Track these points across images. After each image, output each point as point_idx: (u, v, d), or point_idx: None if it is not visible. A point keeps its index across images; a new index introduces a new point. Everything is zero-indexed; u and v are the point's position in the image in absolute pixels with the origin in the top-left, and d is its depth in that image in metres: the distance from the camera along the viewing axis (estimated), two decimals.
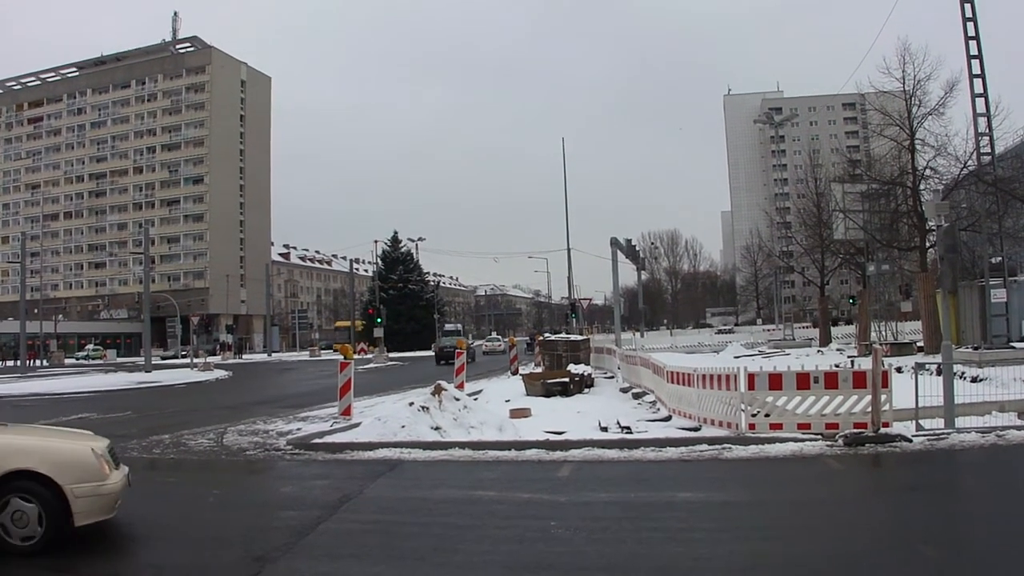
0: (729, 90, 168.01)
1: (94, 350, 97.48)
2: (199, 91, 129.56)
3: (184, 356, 76.01)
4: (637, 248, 46.53)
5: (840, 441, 13.03)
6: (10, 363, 76.67)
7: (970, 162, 30.51)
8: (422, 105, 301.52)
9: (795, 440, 13.29)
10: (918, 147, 31.91)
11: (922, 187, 32.13)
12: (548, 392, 23.16)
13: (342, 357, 19.65)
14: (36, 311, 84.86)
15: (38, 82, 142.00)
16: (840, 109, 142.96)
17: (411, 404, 16.21)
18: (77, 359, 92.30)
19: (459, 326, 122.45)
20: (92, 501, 8.20)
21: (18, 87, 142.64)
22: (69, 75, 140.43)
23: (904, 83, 31.79)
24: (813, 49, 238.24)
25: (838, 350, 40.92)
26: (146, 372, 48.68)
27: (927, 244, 32.57)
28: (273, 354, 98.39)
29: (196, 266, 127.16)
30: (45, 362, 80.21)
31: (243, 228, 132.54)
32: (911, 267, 42.22)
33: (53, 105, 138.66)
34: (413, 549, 8.17)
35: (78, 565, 7.94)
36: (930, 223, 30.77)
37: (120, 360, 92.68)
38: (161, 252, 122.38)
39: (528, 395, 23.43)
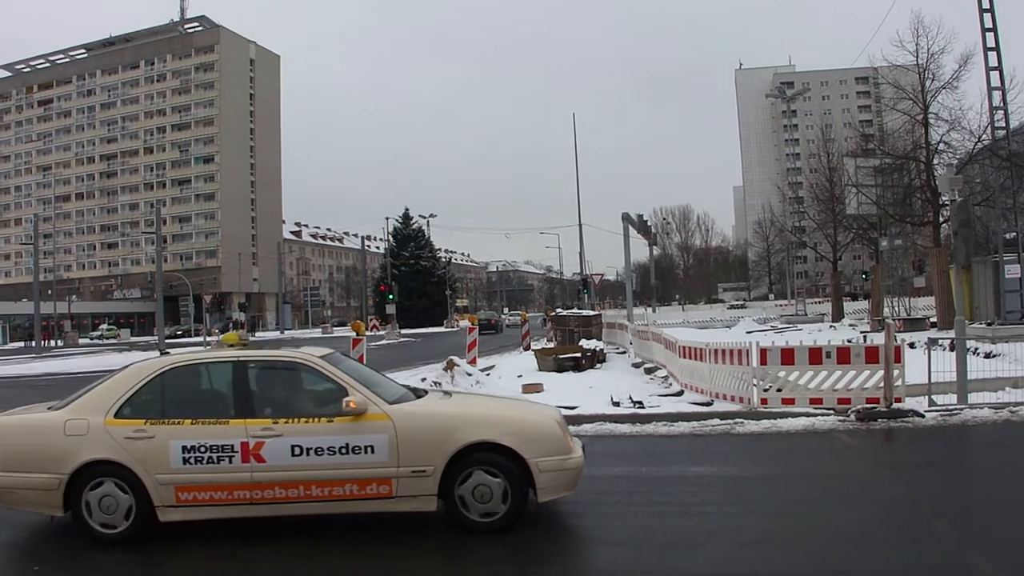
0: (741, 64, 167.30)
1: (108, 330, 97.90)
2: (208, 70, 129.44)
3: (199, 334, 76.26)
4: (649, 223, 46.37)
5: (852, 416, 13.01)
6: (24, 344, 77.05)
7: (984, 136, 30.28)
8: (432, 81, 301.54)
9: (807, 415, 13.27)
10: (932, 121, 31.66)
11: (935, 161, 31.88)
12: (560, 367, 23.20)
13: (354, 334, 19.69)
14: (49, 292, 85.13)
15: (47, 64, 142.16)
16: (853, 83, 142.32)
17: (423, 380, 16.25)
18: (91, 339, 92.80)
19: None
20: (556, 476, 7.61)
21: (27, 70, 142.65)
22: (78, 57, 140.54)
23: (917, 56, 31.51)
24: (825, 23, 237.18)
25: (851, 325, 40.80)
26: (160, 351, 48.90)
27: (940, 219, 32.39)
28: (285, 331, 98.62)
29: (208, 245, 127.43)
30: (59, 342, 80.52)
31: (254, 206, 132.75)
32: (924, 242, 42.04)
33: (63, 87, 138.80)
34: None
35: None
36: (943, 198, 30.59)
37: (133, 339, 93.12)
38: (173, 232, 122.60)
39: (540, 370, 23.48)
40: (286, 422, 7.45)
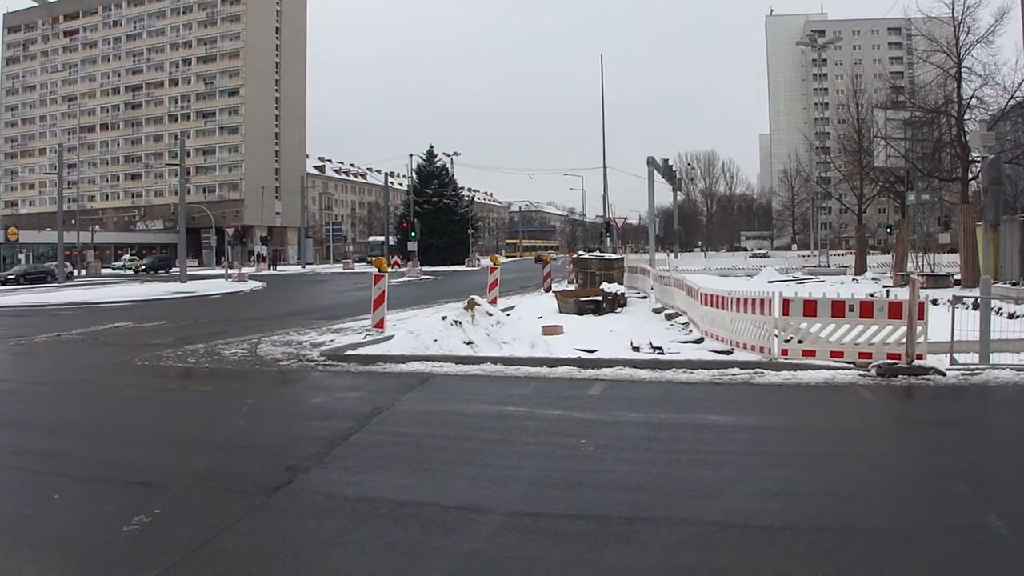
0: (771, 11, 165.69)
1: (130, 260, 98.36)
2: (235, 3, 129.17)
3: (222, 266, 76.55)
4: (674, 168, 46.17)
5: (873, 371, 12.96)
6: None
7: (1018, 93, 29.95)
8: (459, 19, 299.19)
9: (828, 368, 13.23)
10: (964, 75, 31.28)
11: (967, 117, 31.55)
12: (581, 310, 23.23)
13: (375, 270, 19.72)
14: (73, 222, 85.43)
15: None
16: (885, 33, 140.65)
17: (444, 318, 16.28)
18: (113, 269, 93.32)
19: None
20: None
21: (54, 0, 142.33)
22: None
23: (953, 9, 31.11)
24: None
25: (873, 279, 40.63)
26: (181, 282, 49.19)
27: (969, 175, 32.12)
28: (307, 266, 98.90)
29: (231, 178, 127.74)
30: (82, 271, 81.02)
31: (278, 140, 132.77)
32: (951, 198, 41.78)
33: (88, 18, 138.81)
34: (443, 462, 8.23)
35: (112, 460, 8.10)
36: (974, 154, 30.34)
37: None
38: (196, 164, 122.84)
39: (560, 312, 23.56)
40: None
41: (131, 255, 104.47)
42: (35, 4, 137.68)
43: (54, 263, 68.52)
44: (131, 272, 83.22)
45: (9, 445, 9.42)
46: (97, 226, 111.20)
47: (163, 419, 11.17)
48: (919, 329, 13.15)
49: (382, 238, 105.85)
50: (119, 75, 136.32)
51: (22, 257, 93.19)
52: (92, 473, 8.13)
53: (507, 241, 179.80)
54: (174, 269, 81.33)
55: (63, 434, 10.09)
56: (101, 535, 6.21)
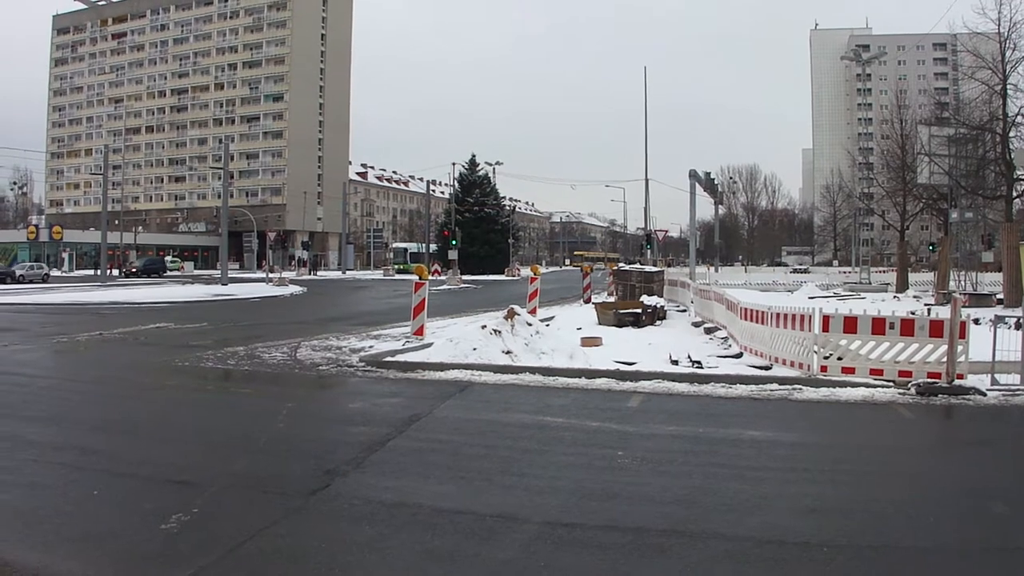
0: (816, 25, 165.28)
1: (172, 262, 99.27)
2: (281, 9, 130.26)
3: (263, 270, 77.00)
4: (716, 182, 46.08)
5: (913, 390, 12.85)
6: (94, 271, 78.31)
7: None
8: (502, 31, 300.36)
9: (867, 385, 13.14)
10: (1010, 92, 31.07)
11: (1012, 134, 31.30)
12: (620, 322, 23.18)
13: (416, 277, 19.81)
14: (117, 222, 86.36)
15: None
16: (930, 49, 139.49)
17: (483, 327, 16.34)
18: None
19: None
20: None
21: (103, 3, 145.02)
22: None
23: (999, 25, 30.93)
24: None
25: (915, 297, 40.21)
26: (222, 285, 49.61)
27: (1014, 194, 31.83)
28: (347, 272, 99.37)
29: (274, 182, 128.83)
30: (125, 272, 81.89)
31: (321, 146, 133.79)
32: (995, 216, 41.27)
33: (137, 21, 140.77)
34: (480, 470, 8.28)
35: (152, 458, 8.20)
36: (1018, 172, 30.04)
37: (197, 272, 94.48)
38: (240, 168, 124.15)
39: (600, 324, 23.49)
40: None
41: (173, 257, 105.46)
42: (84, 7, 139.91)
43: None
44: (122, 275, 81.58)
45: (51, 442, 9.55)
46: (140, 227, 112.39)
47: (202, 420, 11.30)
48: (960, 348, 13.03)
49: (405, 245, 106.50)
50: (165, 78, 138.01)
51: (65, 256, 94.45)
52: (132, 471, 8.23)
53: (575, 252, 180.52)
54: (165, 273, 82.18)
55: (103, 432, 10.25)
56: (140, 532, 6.30)
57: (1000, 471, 8.85)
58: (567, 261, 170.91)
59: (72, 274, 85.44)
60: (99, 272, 64.62)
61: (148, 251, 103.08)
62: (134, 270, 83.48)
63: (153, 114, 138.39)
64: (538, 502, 7.14)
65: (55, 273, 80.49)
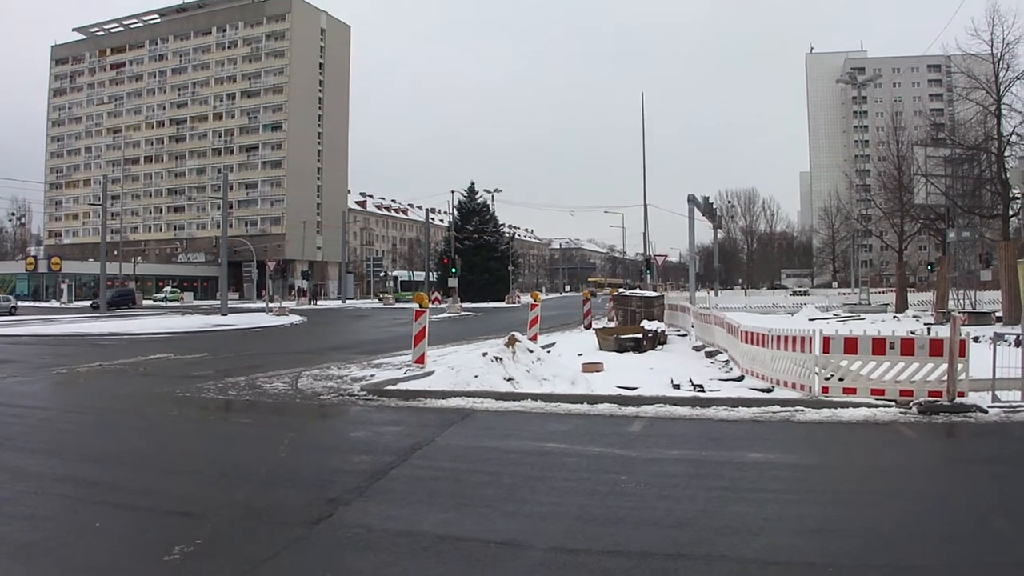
0: (812, 49, 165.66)
1: (171, 292, 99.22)
2: (279, 39, 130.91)
3: (263, 300, 76.82)
4: (714, 206, 46.25)
5: (914, 409, 12.87)
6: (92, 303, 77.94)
7: None
8: (498, 58, 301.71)
9: (868, 405, 13.14)
10: (1004, 112, 31.25)
11: (1007, 154, 31.48)
12: (621, 347, 23.19)
13: (416, 305, 19.82)
14: (116, 253, 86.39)
15: (120, 28, 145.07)
16: (924, 71, 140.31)
17: (484, 354, 16.32)
18: (154, 301, 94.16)
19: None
20: None
21: (101, 33, 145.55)
22: (151, 22, 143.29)
23: (992, 46, 31.14)
24: (898, 9, 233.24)
25: (914, 317, 40.27)
26: (222, 315, 49.58)
27: (1010, 212, 31.93)
28: (347, 301, 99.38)
29: (273, 212, 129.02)
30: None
31: (320, 175, 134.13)
32: (993, 235, 41.36)
33: (135, 51, 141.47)
34: (483, 497, 8.26)
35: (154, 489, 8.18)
36: (1014, 191, 30.15)
37: (196, 302, 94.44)
38: (239, 197, 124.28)
39: (601, 350, 23.52)
40: None
41: (172, 287, 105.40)
42: (83, 37, 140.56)
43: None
44: (91, 308, 69.09)
45: (51, 473, 9.52)
46: (139, 257, 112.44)
47: (204, 450, 11.28)
48: (960, 366, 13.05)
49: (396, 273, 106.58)
50: (164, 108, 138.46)
51: (64, 287, 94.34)
52: (134, 502, 8.21)
53: (589, 279, 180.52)
54: (134, 305, 79.27)
55: (104, 463, 10.21)
56: (143, 564, 6.29)
57: (1004, 488, 8.83)
58: (567, 287, 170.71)
59: (71, 305, 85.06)
60: (94, 304, 63.41)
61: (123, 281, 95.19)
62: (93, 304, 70.15)
63: (152, 144, 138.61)
64: (542, 528, 7.13)
65: (54, 304, 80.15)
